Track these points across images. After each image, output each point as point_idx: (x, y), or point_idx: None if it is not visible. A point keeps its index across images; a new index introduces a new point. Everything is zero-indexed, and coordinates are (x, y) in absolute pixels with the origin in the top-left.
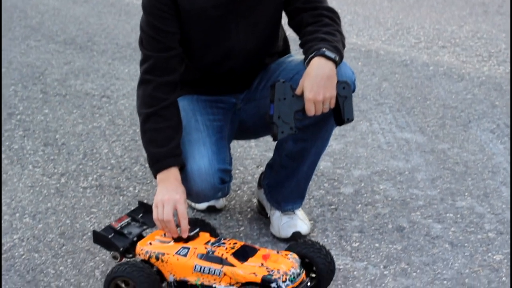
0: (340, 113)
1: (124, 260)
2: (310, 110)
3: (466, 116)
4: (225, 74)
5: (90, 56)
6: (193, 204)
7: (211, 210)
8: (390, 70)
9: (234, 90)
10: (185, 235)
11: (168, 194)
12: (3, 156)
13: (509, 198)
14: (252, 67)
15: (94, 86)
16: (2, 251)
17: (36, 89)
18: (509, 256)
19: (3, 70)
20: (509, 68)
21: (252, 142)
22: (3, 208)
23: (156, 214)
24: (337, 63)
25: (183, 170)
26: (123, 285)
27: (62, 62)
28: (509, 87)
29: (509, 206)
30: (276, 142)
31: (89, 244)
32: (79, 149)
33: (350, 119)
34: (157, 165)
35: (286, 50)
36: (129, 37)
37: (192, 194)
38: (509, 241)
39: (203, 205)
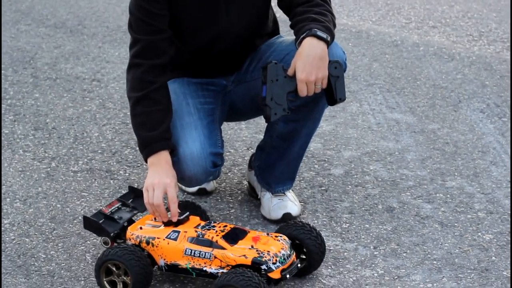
0: (332, 93)
1: (114, 245)
2: (303, 91)
3: (456, 96)
4: (215, 56)
5: (81, 39)
6: (183, 187)
7: (202, 192)
8: (380, 51)
9: (225, 72)
10: (174, 219)
11: (158, 177)
12: None
13: (499, 177)
14: (242, 49)
15: (84, 70)
16: None
17: (27, 73)
18: (499, 236)
19: None
20: (499, 47)
21: (243, 124)
22: None
23: (146, 197)
24: (328, 43)
25: (173, 153)
26: (114, 268)
27: (53, 46)
28: (499, 67)
29: (499, 186)
30: (267, 124)
31: (80, 228)
32: (70, 133)
33: (342, 99)
34: (147, 149)
35: (275, 31)
36: (119, 20)
37: (184, 179)
38: (499, 221)
39: (193, 188)
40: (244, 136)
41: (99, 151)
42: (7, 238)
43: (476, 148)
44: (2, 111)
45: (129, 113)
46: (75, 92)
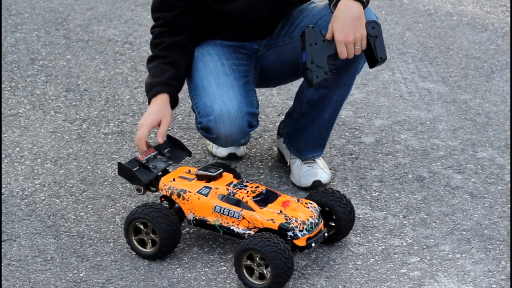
0: (372, 54)
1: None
2: (342, 53)
3: (489, 66)
4: (248, 21)
5: (113, 1)
6: (214, 151)
7: (232, 157)
8: (413, 19)
9: (257, 37)
10: (160, 140)
11: (151, 115)
12: (25, 101)
13: None
14: (275, 14)
15: (116, 32)
16: (24, 196)
17: (59, 35)
18: None
19: (26, 15)
20: None
21: (274, 90)
22: (25, 153)
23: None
24: (364, 4)
25: (176, 105)
26: (142, 226)
27: (85, 7)
28: None
29: None
30: (297, 90)
31: (110, 190)
32: (101, 95)
33: (383, 58)
34: (150, 93)
35: None
36: None
37: (220, 137)
38: None
39: (224, 153)
40: (275, 102)
41: (130, 114)
42: (38, 199)
43: (507, 119)
44: (34, 72)
45: None
46: (107, 54)
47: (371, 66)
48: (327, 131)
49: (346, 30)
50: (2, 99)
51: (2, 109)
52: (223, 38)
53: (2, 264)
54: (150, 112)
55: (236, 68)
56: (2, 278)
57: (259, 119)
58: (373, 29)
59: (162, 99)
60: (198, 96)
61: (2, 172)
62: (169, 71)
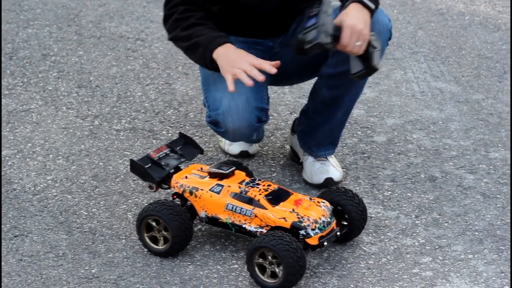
0: (364, 60)
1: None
2: (345, 37)
3: (501, 66)
4: (263, 17)
5: None
6: (226, 148)
7: (244, 155)
8: (425, 19)
9: (272, 33)
10: (273, 70)
11: (235, 54)
12: (37, 97)
13: None
14: (290, 11)
15: (128, 29)
16: (36, 191)
17: (71, 31)
18: None
19: (38, 11)
20: None
21: (286, 88)
22: (37, 149)
23: (234, 75)
24: (373, 12)
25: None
26: (154, 223)
27: (97, 4)
28: None
29: None
30: (311, 89)
31: (122, 187)
32: (113, 91)
33: (376, 67)
34: (212, 44)
35: None
36: None
37: (228, 131)
38: None
39: (236, 150)
40: (287, 100)
41: (142, 111)
42: (50, 194)
43: None
44: (46, 68)
45: (172, 74)
46: (119, 51)
47: (354, 75)
48: (339, 129)
49: (356, 19)
50: (14, 95)
51: (14, 105)
52: (238, 34)
53: (14, 260)
54: (233, 52)
55: None
56: (14, 274)
57: (270, 116)
58: (375, 41)
59: (231, 47)
60: (209, 90)
61: (15, 167)
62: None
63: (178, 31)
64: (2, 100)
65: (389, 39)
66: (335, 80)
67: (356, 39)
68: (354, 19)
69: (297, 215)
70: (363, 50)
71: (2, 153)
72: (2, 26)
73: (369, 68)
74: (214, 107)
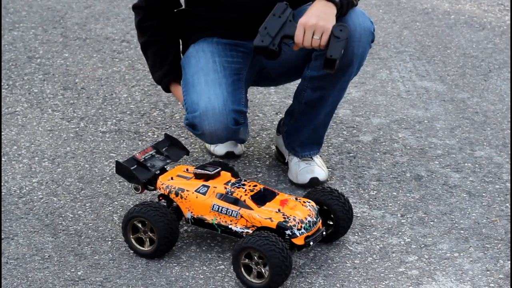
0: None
1: (144, 192)
2: (299, 36)
3: (487, 65)
4: (246, 18)
5: (111, 0)
6: (211, 149)
7: (230, 156)
8: (411, 18)
9: (254, 35)
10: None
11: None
12: (23, 99)
13: None
14: (271, 10)
15: (114, 31)
16: (21, 194)
17: (56, 33)
18: None
19: (23, 13)
20: None
21: (272, 89)
22: (22, 151)
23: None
24: (338, 5)
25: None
26: (140, 225)
27: (83, 5)
28: None
29: None
30: (295, 89)
31: (108, 189)
32: (99, 93)
33: (333, 57)
34: (162, 85)
35: None
36: None
37: (205, 133)
38: None
39: (221, 151)
40: (273, 100)
41: (128, 112)
42: (35, 197)
43: (505, 118)
44: (32, 70)
45: None
46: (104, 52)
47: (324, 67)
48: (322, 130)
49: (309, 15)
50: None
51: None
52: (221, 36)
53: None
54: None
55: (228, 66)
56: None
57: (255, 117)
58: (340, 31)
59: (176, 89)
60: (187, 92)
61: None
62: (169, 56)
63: (140, 42)
64: None
65: (372, 41)
66: (319, 82)
67: (311, 34)
68: (307, 16)
69: (283, 215)
70: (325, 41)
71: None
72: None
73: (326, 59)
74: (192, 109)
